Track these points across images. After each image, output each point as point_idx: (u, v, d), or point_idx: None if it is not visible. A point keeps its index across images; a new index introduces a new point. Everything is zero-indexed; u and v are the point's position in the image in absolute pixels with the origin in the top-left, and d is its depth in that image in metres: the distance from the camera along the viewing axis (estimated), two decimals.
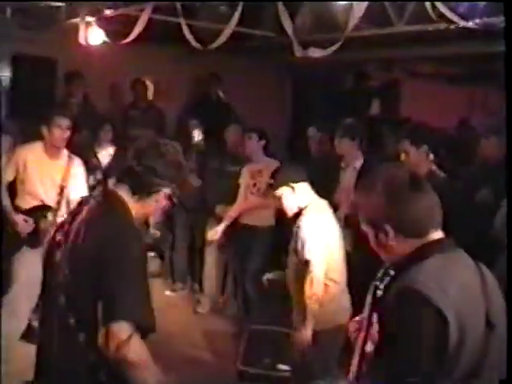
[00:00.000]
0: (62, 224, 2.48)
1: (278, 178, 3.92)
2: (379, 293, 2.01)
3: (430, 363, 1.82)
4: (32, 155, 5.10)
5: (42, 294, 2.50)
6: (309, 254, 3.72)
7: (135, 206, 2.43)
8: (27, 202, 5.08)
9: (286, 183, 3.87)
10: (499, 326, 1.91)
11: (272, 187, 3.94)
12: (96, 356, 2.23)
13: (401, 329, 1.84)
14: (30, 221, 4.99)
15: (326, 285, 3.77)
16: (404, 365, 1.84)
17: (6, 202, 5.08)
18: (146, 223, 6.51)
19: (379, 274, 2.11)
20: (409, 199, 1.96)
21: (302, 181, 3.91)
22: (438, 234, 2.01)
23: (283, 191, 3.88)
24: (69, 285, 2.30)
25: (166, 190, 2.47)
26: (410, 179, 2.01)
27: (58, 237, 2.42)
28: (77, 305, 2.28)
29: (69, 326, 2.27)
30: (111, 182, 2.51)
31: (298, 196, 3.88)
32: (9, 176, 5.10)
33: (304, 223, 3.80)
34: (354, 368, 2.09)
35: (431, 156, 4.55)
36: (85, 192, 5.07)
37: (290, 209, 3.91)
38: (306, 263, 3.73)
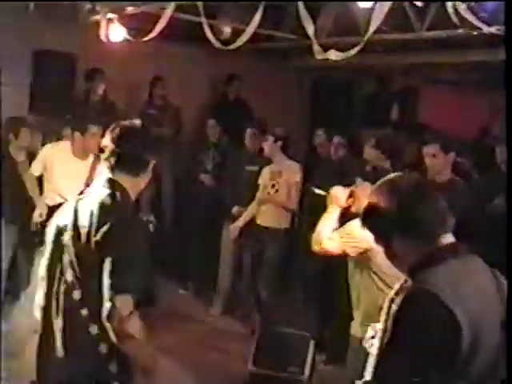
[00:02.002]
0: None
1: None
2: (394, 307, 2.01)
3: (439, 364, 1.81)
4: (59, 153, 5.22)
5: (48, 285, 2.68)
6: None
7: (132, 185, 2.71)
8: (52, 200, 5.14)
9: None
10: None
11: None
12: (108, 348, 2.46)
13: (410, 328, 1.83)
14: (44, 214, 5.09)
15: (384, 291, 3.68)
16: (412, 365, 1.82)
17: (34, 191, 5.26)
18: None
19: (397, 287, 2.11)
20: (416, 205, 1.97)
21: None
22: (449, 239, 2.00)
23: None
24: (77, 261, 2.55)
25: (153, 162, 2.77)
26: (416, 186, 2.03)
27: (67, 221, 2.65)
28: (83, 280, 2.52)
29: (81, 318, 2.50)
30: (107, 171, 2.73)
31: None
32: (35, 170, 5.23)
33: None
34: (367, 376, 2.09)
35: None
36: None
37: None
38: None
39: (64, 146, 5.35)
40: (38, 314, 2.75)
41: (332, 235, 3.67)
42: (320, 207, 3.99)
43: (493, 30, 4.39)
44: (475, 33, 4.73)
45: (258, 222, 6.10)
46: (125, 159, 2.69)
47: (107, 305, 2.38)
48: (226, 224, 6.52)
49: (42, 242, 4.93)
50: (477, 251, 2.03)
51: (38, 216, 5.27)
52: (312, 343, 4.62)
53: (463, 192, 4.47)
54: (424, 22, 5.46)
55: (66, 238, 2.62)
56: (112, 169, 2.70)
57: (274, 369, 4.64)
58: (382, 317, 2.11)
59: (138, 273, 2.48)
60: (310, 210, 5.76)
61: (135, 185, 2.73)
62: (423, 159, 4.79)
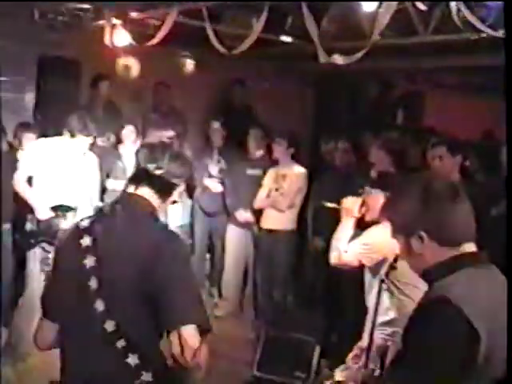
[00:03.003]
0: (87, 229, 2.44)
1: None
2: (384, 286, 1.99)
3: (456, 375, 1.79)
4: (50, 151, 5.13)
5: (67, 298, 2.44)
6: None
7: (158, 205, 2.50)
8: (42, 213, 5.07)
9: None
10: None
11: None
12: (138, 359, 2.27)
13: (429, 338, 1.81)
14: (48, 211, 4.99)
15: (400, 300, 3.55)
16: (428, 375, 1.80)
17: (27, 191, 5.07)
18: None
19: (384, 270, 2.10)
20: (446, 208, 1.95)
21: None
22: (471, 247, 1.98)
23: None
24: (108, 289, 2.31)
25: (181, 188, 2.58)
26: (448, 188, 2.00)
27: (86, 242, 2.39)
28: (117, 309, 2.30)
29: (105, 332, 2.29)
30: (132, 187, 2.50)
31: None
32: (30, 171, 5.13)
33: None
34: None
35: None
36: (97, 191, 5.13)
37: None
38: None
39: (57, 142, 5.16)
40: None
41: (349, 247, 3.66)
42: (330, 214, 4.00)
43: (497, 34, 4.38)
44: (479, 36, 4.72)
45: (265, 225, 6.11)
46: (152, 178, 2.47)
47: (174, 339, 2.21)
48: (230, 227, 6.53)
49: (36, 244, 4.94)
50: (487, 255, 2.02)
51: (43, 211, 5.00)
52: (317, 348, 4.61)
53: (471, 195, 4.45)
54: (428, 25, 5.45)
55: (91, 261, 2.37)
56: (137, 184, 2.48)
57: (278, 374, 4.63)
58: (372, 296, 2.09)
59: (196, 299, 2.31)
60: (318, 215, 5.79)
61: (161, 205, 2.52)
62: (428, 163, 4.78)
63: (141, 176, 2.48)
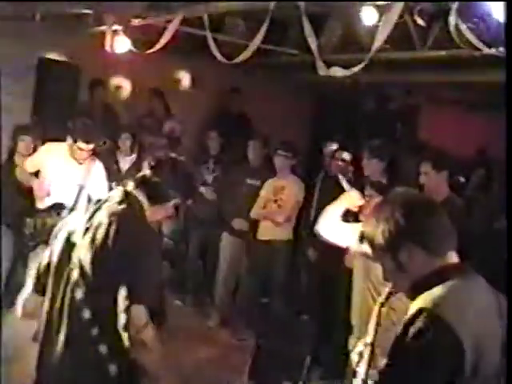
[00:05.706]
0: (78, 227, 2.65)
1: None
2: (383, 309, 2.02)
3: None
4: (55, 154, 5.21)
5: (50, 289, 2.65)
6: None
7: (149, 212, 2.69)
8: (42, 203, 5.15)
9: None
10: None
11: None
12: (107, 349, 2.49)
13: (414, 350, 1.81)
14: (46, 182, 5.07)
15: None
16: None
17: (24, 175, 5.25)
18: (160, 232, 6.52)
19: (383, 295, 2.13)
20: (427, 219, 1.96)
21: None
22: (454, 258, 1.99)
23: None
24: (89, 280, 2.52)
25: (176, 201, 2.75)
26: (426, 201, 2.03)
27: (75, 239, 2.62)
28: (95, 298, 2.51)
29: (82, 320, 2.50)
30: (130, 186, 2.71)
31: None
32: (30, 168, 5.23)
33: None
34: None
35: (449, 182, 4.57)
36: (105, 192, 5.14)
37: None
38: None
39: (62, 145, 5.29)
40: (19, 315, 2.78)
41: (342, 228, 3.66)
42: None
43: (493, 51, 4.42)
44: (477, 53, 4.76)
45: (262, 237, 6.11)
46: (149, 184, 2.69)
47: (122, 315, 2.45)
48: (225, 235, 6.53)
49: (35, 246, 4.99)
50: (478, 270, 2.03)
51: (41, 186, 5.14)
52: (308, 358, 4.62)
53: (462, 210, 4.48)
54: (427, 41, 5.50)
55: (77, 253, 2.59)
56: (136, 187, 2.71)
57: (269, 383, 4.64)
58: (372, 323, 2.12)
59: (152, 285, 2.57)
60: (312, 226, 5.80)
61: (151, 212, 2.71)
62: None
63: (139, 179, 2.70)
